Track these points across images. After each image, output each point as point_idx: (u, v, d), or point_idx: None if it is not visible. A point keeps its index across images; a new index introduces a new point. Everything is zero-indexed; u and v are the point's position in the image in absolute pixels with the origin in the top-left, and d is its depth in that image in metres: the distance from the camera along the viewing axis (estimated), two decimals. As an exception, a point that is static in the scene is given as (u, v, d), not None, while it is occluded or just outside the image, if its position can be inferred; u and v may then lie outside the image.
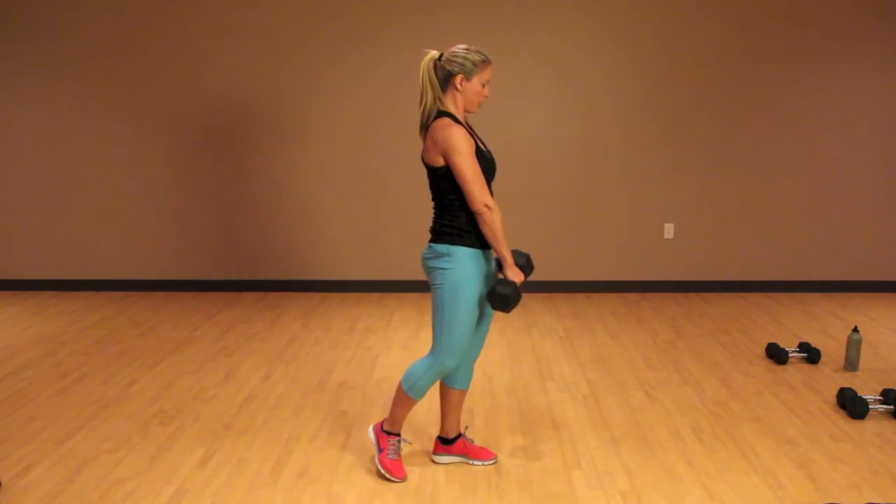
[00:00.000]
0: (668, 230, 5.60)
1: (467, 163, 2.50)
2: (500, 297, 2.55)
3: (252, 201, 5.61)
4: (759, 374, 3.91)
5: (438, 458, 2.94)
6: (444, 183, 2.60)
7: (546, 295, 5.63)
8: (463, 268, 2.61)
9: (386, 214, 5.60)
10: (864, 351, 4.28)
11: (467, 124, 2.67)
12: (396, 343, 4.46)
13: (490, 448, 3.05)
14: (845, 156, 5.51)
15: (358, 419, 3.35)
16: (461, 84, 2.57)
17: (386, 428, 2.86)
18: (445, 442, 2.92)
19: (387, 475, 2.78)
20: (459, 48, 2.57)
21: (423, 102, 2.60)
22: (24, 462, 2.94)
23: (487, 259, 2.74)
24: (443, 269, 2.62)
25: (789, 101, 5.44)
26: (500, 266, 2.71)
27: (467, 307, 2.62)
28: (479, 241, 2.65)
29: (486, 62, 2.58)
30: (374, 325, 4.85)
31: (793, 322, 4.88)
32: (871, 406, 3.35)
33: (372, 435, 2.89)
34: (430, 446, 3.08)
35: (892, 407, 3.34)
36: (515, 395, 3.65)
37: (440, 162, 2.56)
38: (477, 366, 4.05)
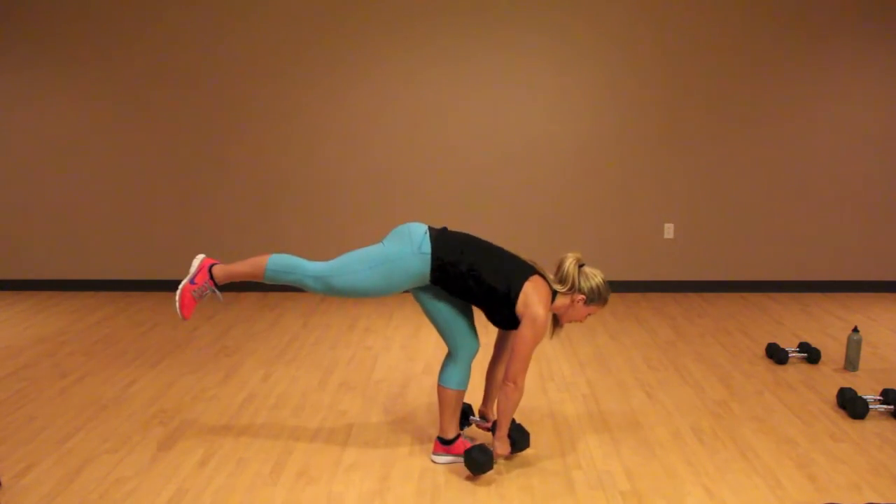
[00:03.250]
0: (668, 230, 5.60)
1: (532, 344, 2.68)
2: (473, 461, 2.70)
3: (252, 201, 5.61)
4: (759, 374, 3.91)
5: (438, 459, 2.94)
6: (501, 308, 2.71)
7: (546, 295, 5.62)
8: (412, 270, 2.67)
9: (386, 215, 5.60)
10: (864, 351, 4.28)
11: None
12: (396, 343, 4.47)
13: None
14: (845, 155, 5.51)
15: (358, 419, 3.35)
16: (577, 301, 2.78)
17: (215, 272, 2.80)
18: (445, 442, 2.92)
19: (177, 304, 2.75)
20: (600, 278, 2.78)
21: (558, 285, 2.76)
22: (24, 462, 2.94)
23: (431, 288, 2.79)
24: (406, 252, 2.67)
25: (789, 101, 5.44)
26: (493, 429, 2.87)
27: (376, 286, 2.69)
28: (437, 283, 2.70)
29: (605, 303, 2.82)
30: (374, 325, 4.85)
31: (793, 322, 4.88)
32: (871, 406, 3.35)
33: (196, 264, 2.82)
34: (430, 446, 3.08)
35: (892, 407, 3.34)
36: (515, 395, 3.64)
37: (520, 311, 2.69)
38: (477, 366, 4.05)
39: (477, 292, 2.71)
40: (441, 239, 2.70)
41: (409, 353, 4.29)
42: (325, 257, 5.65)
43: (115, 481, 2.79)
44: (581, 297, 2.77)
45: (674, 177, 5.54)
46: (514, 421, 2.88)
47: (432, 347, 4.37)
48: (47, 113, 5.54)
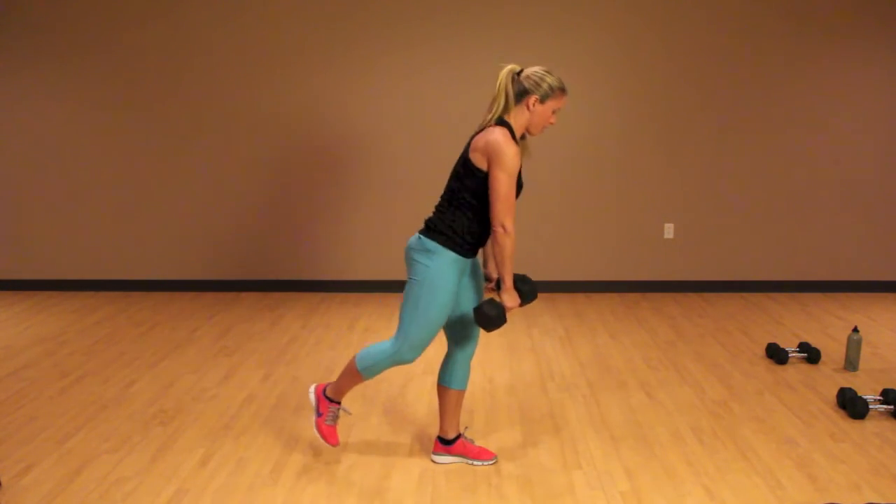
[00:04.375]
0: (668, 230, 5.60)
1: (506, 181, 2.52)
2: (484, 316, 2.59)
3: (252, 201, 5.61)
4: (759, 374, 3.91)
5: (438, 459, 2.94)
6: (472, 185, 2.59)
7: (546, 295, 5.63)
8: (443, 270, 2.63)
9: (386, 214, 5.60)
10: (864, 351, 4.28)
11: (520, 145, 2.67)
12: (396, 343, 4.46)
13: (490, 448, 3.05)
14: (845, 155, 5.51)
15: (358, 419, 3.35)
16: (533, 105, 2.59)
17: (328, 394, 2.88)
18: (445, 442, 2.92)
19: (321, 438, 2.84)
20: (540, 69, 2.60)
21: (494, 110, 2.61)
22: (24, 462, 2.94)
23: (475, 266, 2.76)
24: (424, 265, 2.63)
25: (789, 100, 5.44)
26: (498, 285, 2.71)
27: (439, 309, 2.64)
28: (469, 250, 2.67)
29: (563, 91, 2.61)
30: (374, 325, 4.85)
31: (793, 322, 4.88)
32: (871, 406, 3.35)
33: (313, 397, 2.91)
34: (430, 446, 3.08)
35: (892, 407, 3.34)
36: (515, 395, 3.65)
37: (483, 165, 2.56)
38: (477, 366, 4.05)
39: (483, 209, 2.62)
40: (429, 226, 2.68)
41: (409, 353, 4.28)
42: (325, 255, 5.65)
43: (115, 481, 2.79)
44: (533, 97, 2.57)
45: (674, 177, 5.54)
46: (518, 274, 2.79)
47: (432, 347, 4.37)
48: (47, 113, 5.54)
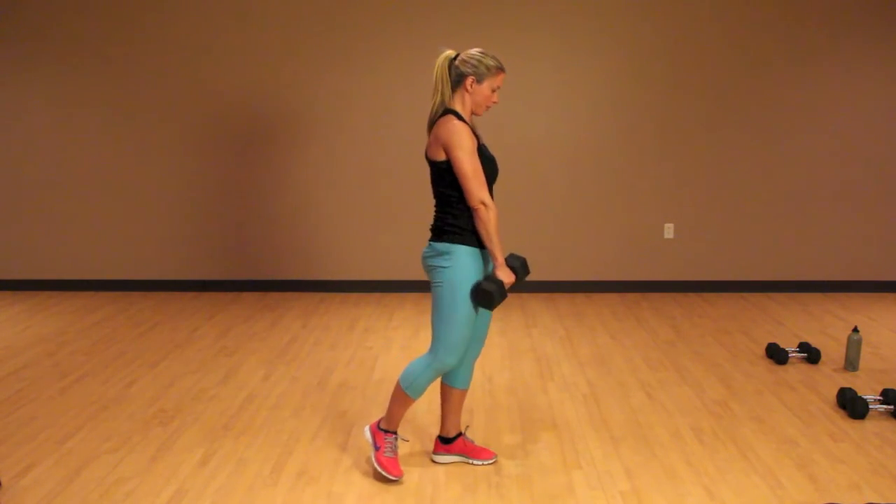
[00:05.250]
0: (668, 230, 5.60)
1: (467, 159, 2.55)
2: (483, 293, 2.59)
3: (252, 201, 5.61)
4: (759, 374, 3.91)
5: (438, 458, 2.94)
6: (445, 179, 2.64)
7: (546, 295, 5.63)
8: (462, 266, 2.63)
9: (386, 214, 5.60)
10: (864, 351, 4.28)
11: (471, 125, 2.70)
12: (396, 343, 4.47)
13: (490, 448, 3.05)
14: (845, 156, 5.51)
15: (358, 419, 3.35)
16: (471, 86, 2.63)
17: (383, 426, 2.86)
18: (445, 441, 2.92)
19: (383, 473, 2.77)
20: (475, 51, 2.64)
21: (434, 99, 2.66)
22: (24, 462, 2.94)
23: (487, 259, 2.75)
24: (442, 267, 2.64)
25: (789, 101, 5.44)
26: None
27: (466, 305, 2.64)
28: (479, 239, 2.67)
29: (499, 69, 2.65)
30: (374, 325, 4.85)
31: (793, 322, 4.88)
32: (871, 406, 3.35)
33: (368, 434, 2.88)
34: (431, 446, 3.08)
35: (892, 407, 3.34)
36: (515, 395, 3.65)
37: (441, 156, 2.60)
38: (477, 366, 4.05)
39: (460, 194, 2.65)
40: (435, 231, 2.70)
41: (409, 353, 4.29)
42: (326, 255, 5.65)
43: (115, 481, 2.79)
44: (469, 78, 2.61)
45: (674, 177, 5.54)
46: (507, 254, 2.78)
47: (432, 347, 4.37)
48: (46, 113, 5.54)
